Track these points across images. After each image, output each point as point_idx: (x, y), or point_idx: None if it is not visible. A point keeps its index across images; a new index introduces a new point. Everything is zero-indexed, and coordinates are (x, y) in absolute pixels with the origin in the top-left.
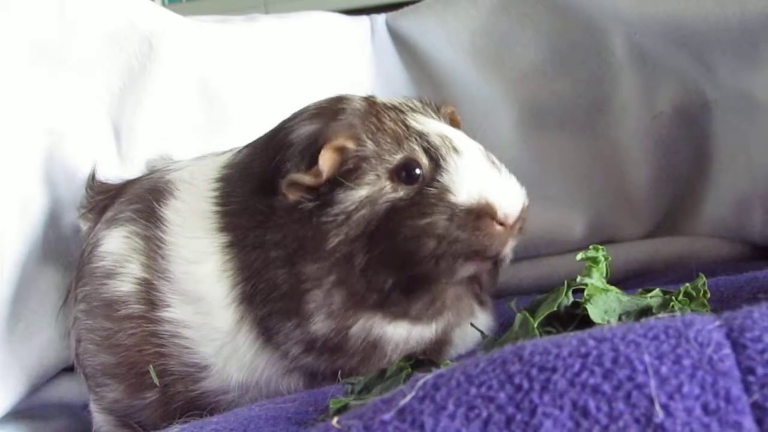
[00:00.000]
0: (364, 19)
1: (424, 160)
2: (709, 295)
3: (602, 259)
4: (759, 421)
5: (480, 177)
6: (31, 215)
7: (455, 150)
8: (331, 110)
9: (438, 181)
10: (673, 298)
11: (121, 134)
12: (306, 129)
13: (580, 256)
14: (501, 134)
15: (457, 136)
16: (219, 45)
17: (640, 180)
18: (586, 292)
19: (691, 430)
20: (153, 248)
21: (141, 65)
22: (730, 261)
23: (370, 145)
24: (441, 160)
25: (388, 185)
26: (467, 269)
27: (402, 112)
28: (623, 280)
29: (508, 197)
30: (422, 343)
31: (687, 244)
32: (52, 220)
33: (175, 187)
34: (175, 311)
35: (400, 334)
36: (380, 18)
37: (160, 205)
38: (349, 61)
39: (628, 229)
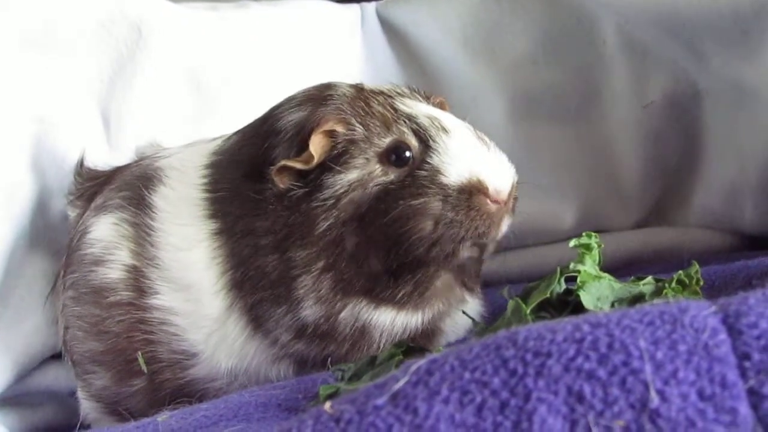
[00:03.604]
0: (354, 7)
1: (413, 142)
2: (702, 283)
3: (595, 245)
4: (755, 407)
5: (469, 155)
6: (18, 202)
7: (444, 130)
8: (319, 96)
9: (428, 163)
10: (666, 285)
11: (110, 121)
12: (295, 116)
13: (573, 242)
14: (491, 123)
15: (445, 116)
16: (209, 32)
17: (630, 169)
18: (579, 279)
19: (686, 415)
20: (142, 235)
21: (130, 52)
22: (720, 251)
23: (359, 129)
24: (430, 141)
25: (378, 168)
26: (463, 253)
27: (390, 96)
28: (612, 270)
29: (498, 173)
30: (410, 330)
31: (677, 235)
32: (40, 208)
33: (165, 174)
34: (164, 298)
35: (385, 320)
36: (370, 6)
37: (149, 192)
38: (339, 49)
39: (618, 218)
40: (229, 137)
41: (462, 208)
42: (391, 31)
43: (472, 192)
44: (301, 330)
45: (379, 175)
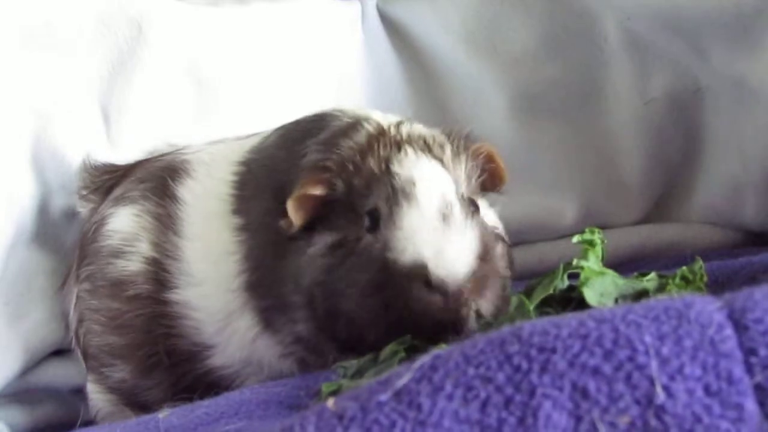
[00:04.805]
0: (354, 3)
1: (384, 208)
2: (705, 279)
3: (598, 241)
4: (761, 403)
5: (420, 234)
6: (18, 198)
7: (411, 198)
8: (333, 145)
9: (382, 235)
10: (670, 281)
11: (110, 117)
12: (312, 158)
13: (576, 238)
14: (492, 120)
15: (428, 181)
16: (209, 28)
17: (631, 166)
18: (582, 275)
19: (692, 411)
20: (165, 226)
21: (130, 48)
22: (723, 247)
23: (341, 189)
24: (393, 208)
25: (352, 232)
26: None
27: (399, 150)
28: (614, 266)
29: (447, 261)
30: None
31: (679, 231)
32: (40, 204)
33: (193, 168)
34: (184, 292)
35: None
36: (371, 2)
37: (175, 184)
38: (339, 45)
39: (620, 215)
40: (268, 136)
41: (401, 296)
42: (392, 27)
43: (412, 278)
44: (299, 339)
45: (352, 240)
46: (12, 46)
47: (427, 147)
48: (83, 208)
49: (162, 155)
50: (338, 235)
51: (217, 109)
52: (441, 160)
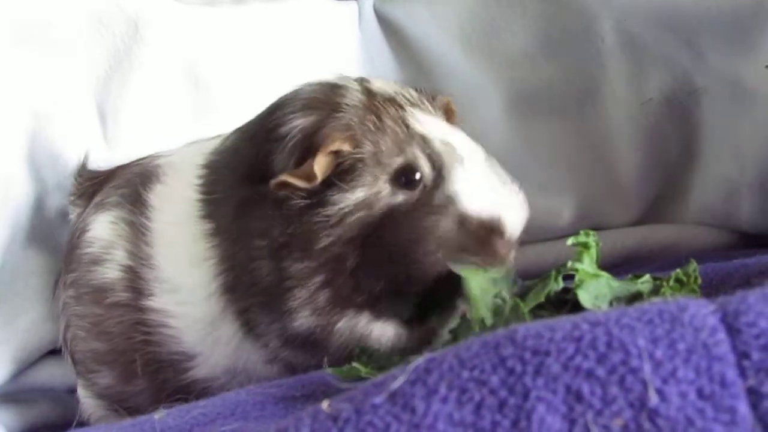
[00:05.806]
0: (351, 4)
1: (425, 168)
2: (699, 281)
3: (593, 244)
4: (754, 406)
5: (490, 191)
6: (14, 198)
7: (460, 159)
8: (327, 104)
9: (445, 191)
10: (664, 283)
11: (107, 117)
12: (299, 122)
13: (570, 241)
14: (489, 121)
15: (459, 142)
16: (206, 28)
17: (628, 167)
18: (576, 278)
19: (685, 414)
20: (138, 234)
21: (127, 47)
22: (718, 249)
23: (368, 147)
24: (445, 170)
25: (386, 189)
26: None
27: (401, 107)
28: (610, 267)
29: (516, 215)
30: (408, 338)
31: (674, 232)
32: (36, 203)
33: (163, 172)
34: (160, 300)
35: (383, 332)
36: (368, 2)
37: (146, 190)
38: (337, 46)
39: (616, 216)
40: (228, 137)
41: (477, 241)
42: (389, 27)
43: (493, 230)
44: (290, 338)
45: (387, 195)
46: (7, 45)
47: (416, 103)
48: (73, 213)
49: (139, 160)
50: (367, 191)
51: (214, 108)
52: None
